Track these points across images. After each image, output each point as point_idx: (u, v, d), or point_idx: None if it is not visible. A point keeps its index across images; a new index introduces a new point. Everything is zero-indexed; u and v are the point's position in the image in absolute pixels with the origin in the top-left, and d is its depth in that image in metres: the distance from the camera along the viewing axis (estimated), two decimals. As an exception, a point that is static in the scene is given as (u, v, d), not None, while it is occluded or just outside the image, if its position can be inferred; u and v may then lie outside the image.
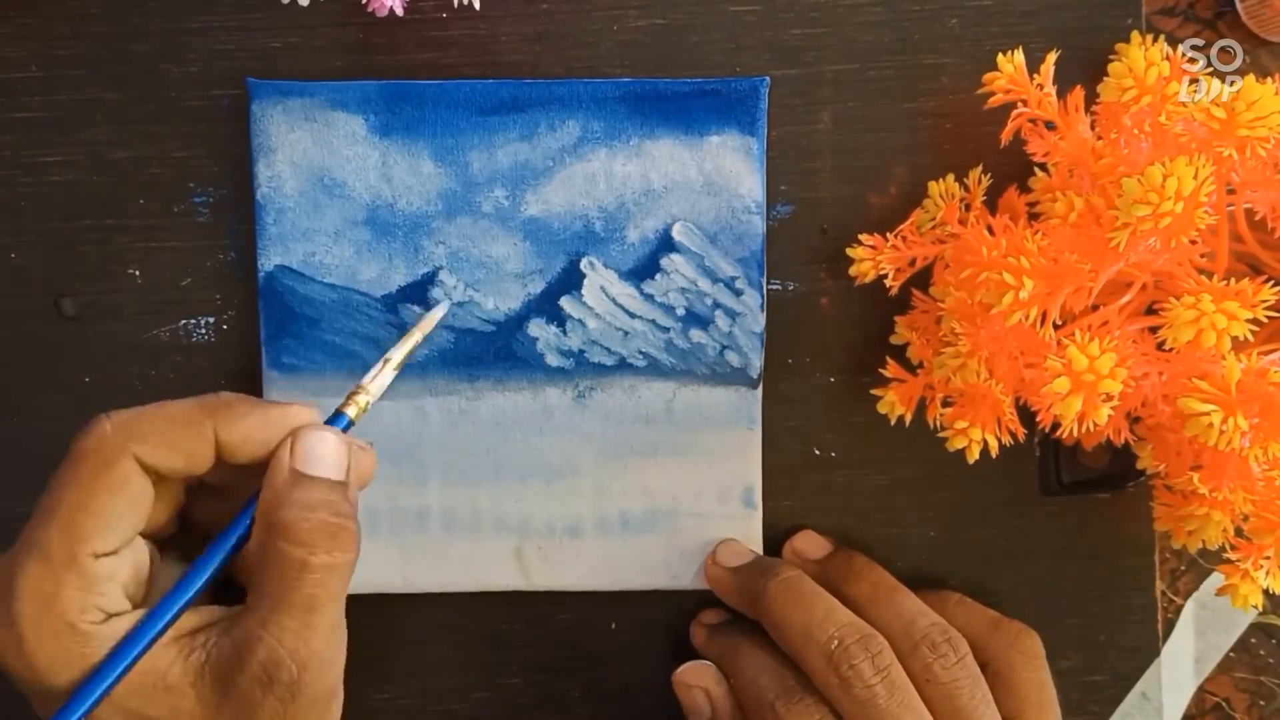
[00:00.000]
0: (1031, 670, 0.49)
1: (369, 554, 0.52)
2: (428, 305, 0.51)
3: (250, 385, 0.52)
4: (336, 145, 0.51)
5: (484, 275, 0.51)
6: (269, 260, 0.51)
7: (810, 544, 0.53)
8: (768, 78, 0.51)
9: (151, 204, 0.52)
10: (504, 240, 0.51)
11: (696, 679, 0.50)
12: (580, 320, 0.51)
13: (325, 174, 0.51)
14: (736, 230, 0.51)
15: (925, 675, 0.46)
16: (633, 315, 0.52)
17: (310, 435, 0.42)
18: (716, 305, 0.51)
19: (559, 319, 0.51)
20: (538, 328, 0.51)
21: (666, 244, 0.51)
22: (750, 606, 0.50)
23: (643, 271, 0.51)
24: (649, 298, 0.52)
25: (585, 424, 0.52)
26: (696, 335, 0.52)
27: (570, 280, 0.51)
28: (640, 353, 0.52)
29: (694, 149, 0.51)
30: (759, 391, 0.52)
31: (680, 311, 0.52)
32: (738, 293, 0.51)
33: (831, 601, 0.48)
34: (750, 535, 0.52)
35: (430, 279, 0.51)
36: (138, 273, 0.52)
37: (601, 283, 0.51)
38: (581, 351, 0.52)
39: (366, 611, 0.53)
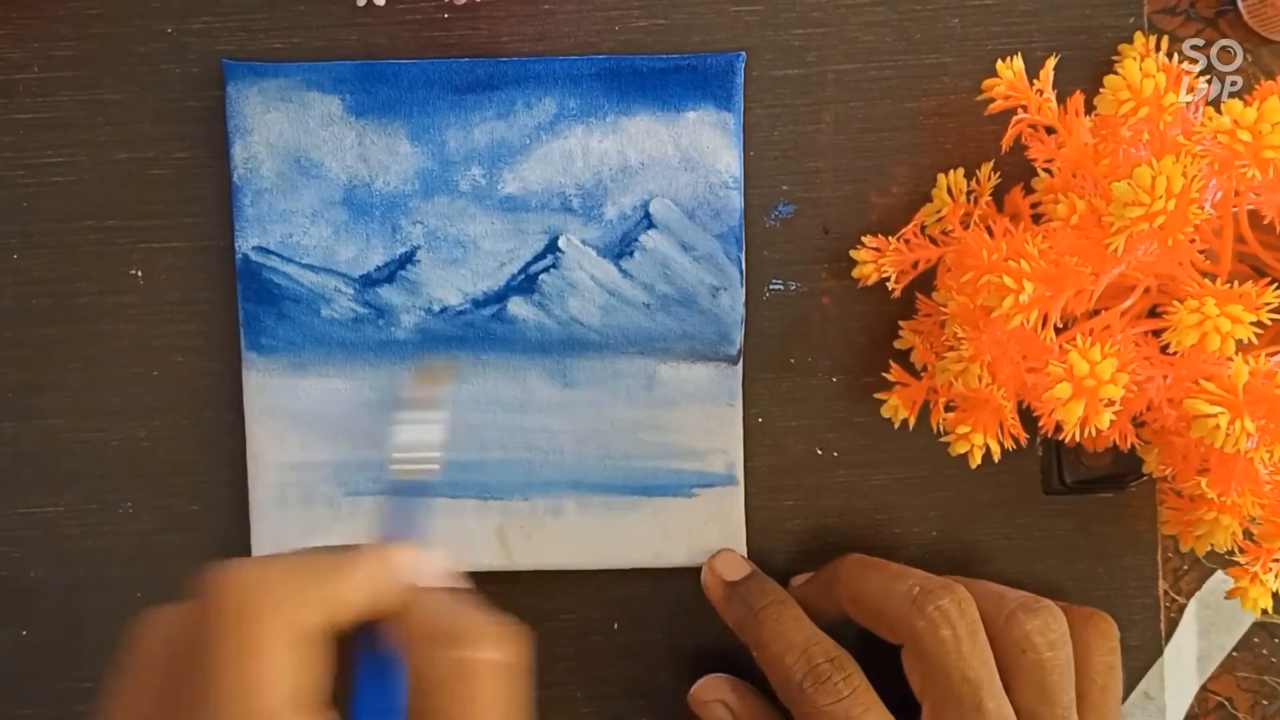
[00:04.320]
0: (1105, 653, 0.49)
1: (353, 535, 0.52)
2: (403, 285, 0.51)
3: (252, 386, 0.52)
4: (313, 126, 0.51)
5: (462, 254, 0.51)
6: (246, 242, 0.51)
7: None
8: (744, 53, 0.51)
9: (153, 204, 0.52)
10: (482, 219, 0.51)
11: (712, 693, 0.50)
12: (559, 298, 0.51)
13: (302, 155, 0.51)
14: (714, 205, 0.51)
15: (1022, 645, 0.46)
16: (612, 292, 0.52)
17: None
18: (695, 281, 0.51)
19: (538, 297, 0.51)
20: (517, 306, 0.51)
21: (645, 220, 0.51)
22: (740, 627, 0.50)
23: (621, 248, 0.51)
24: (628, 274, 0.52)
25: (566, 402, 0.52)
26: (676, 311, 0.51)
27: (549, 258, 0.51)
28: (620, 330, 0.52)
29: (670, 125, 0.51)
30: (739, 367, 0.52)
31: (659, 288, 0.52)
32: (717, 268, 0.51)
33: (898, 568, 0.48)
34: (733, 510, 0.52)
35: (408, 258, 0.51)
36: (139, 273, 0.52)
37: (580, 260, 0.51)
38: (561, 329, 0.52)
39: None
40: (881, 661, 0.47)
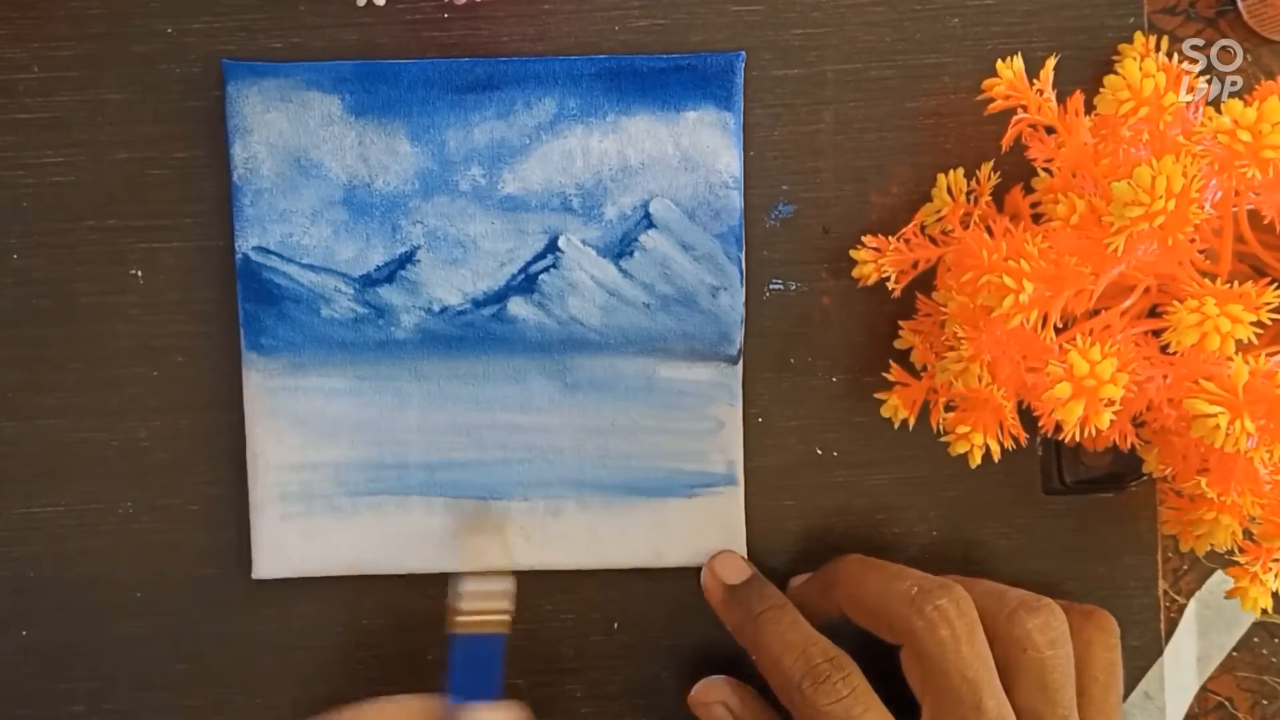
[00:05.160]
0: (1106, 650, 0.49)
1: (352, 535, 0.52)
2: (403, 285, 0.51)
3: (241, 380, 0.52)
4: (312, 126, 0.51)
5: (462, 254, 0.51)
6: (246, 242, 0.51)
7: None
8: (744, 52, 0.51)
9: (153, 204, 0.52)
10: (482, 219, 0.51)
11: (713, 695, 0.50)
12: (559, 298, 0.51)
13: (302, 155, 0.51)
14: (714, 205, 0.51)
15: (1023, 644, 0.46)
16: (611, 292, 0.52)
17: None
18: (695, 281, 0.51)
19: (538, 297, 0.51)
20: (517, 306, 0.51)
21: (645, 220, 0.51)
22: (739, 630, 0.50)
23: (621, 248, 0.51)
24: (628, 274, 0.52)
25: (566, 402, 0.52)
26: (676, 311, 0.51)
27: (549, 258, 0.51)
28: (620, 330, 0.52)
29: (670, 125, 0.51)
30: (739, 367, 0.52)
31: (659, 288, 0.52)
32: (716, 268, 0.51)
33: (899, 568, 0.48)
34: (732, 510, 0.52)
35: (408, 258, 0.51)
36: (139, 273, 0.52)
37: (580, 260, 0.51)
38: (561, 329, 0.52)
39: (368, 613, 0.53)
40: (881, 661, 0.47)
